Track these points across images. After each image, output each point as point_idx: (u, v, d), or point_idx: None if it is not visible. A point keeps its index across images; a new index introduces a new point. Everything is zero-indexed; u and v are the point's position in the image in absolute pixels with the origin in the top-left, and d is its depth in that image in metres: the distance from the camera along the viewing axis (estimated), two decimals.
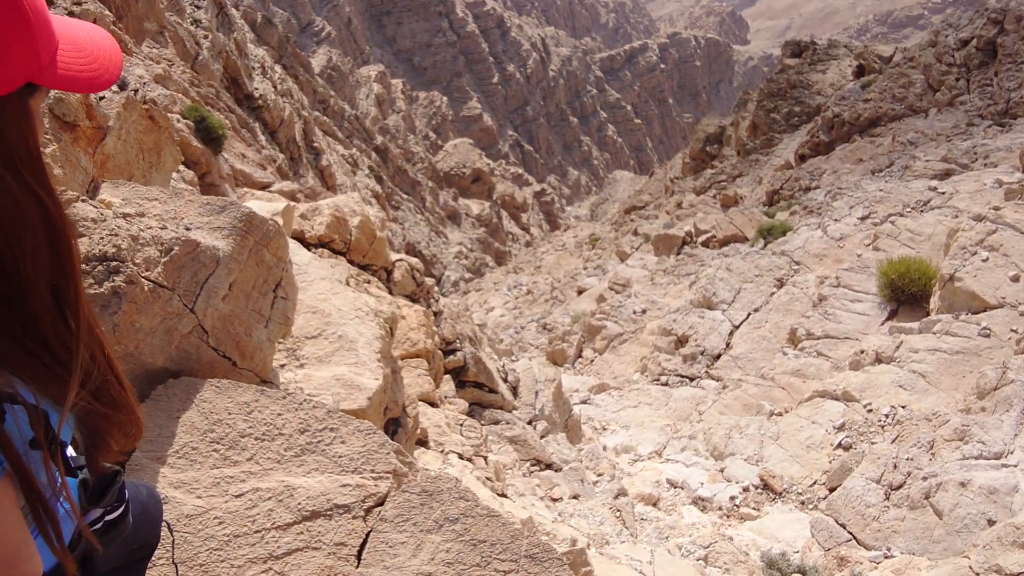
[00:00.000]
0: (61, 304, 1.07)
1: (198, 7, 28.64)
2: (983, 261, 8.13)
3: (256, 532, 2.09)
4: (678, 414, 9.65)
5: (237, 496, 2.15)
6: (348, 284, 3.95)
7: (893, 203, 11.21)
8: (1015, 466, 5.66)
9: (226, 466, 2.20)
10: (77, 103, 2.55)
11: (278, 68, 41.70)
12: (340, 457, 2.24)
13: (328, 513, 2.13)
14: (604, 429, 9.59)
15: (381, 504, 2.15)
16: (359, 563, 2.04)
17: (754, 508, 7.20)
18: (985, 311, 7.82)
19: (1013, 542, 4.53)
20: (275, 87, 34.12)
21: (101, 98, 2.84)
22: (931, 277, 8.94)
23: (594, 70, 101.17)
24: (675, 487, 7.67)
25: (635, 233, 28.49)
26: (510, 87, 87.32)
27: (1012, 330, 7.37)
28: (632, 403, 10.25)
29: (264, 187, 10.46)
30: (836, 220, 11.50)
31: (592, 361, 12.71)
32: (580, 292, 19.10)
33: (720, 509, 7.24)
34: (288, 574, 2.04)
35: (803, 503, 7.16)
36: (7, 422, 0.96)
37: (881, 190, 12.02)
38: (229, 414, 2.29)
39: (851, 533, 6.03)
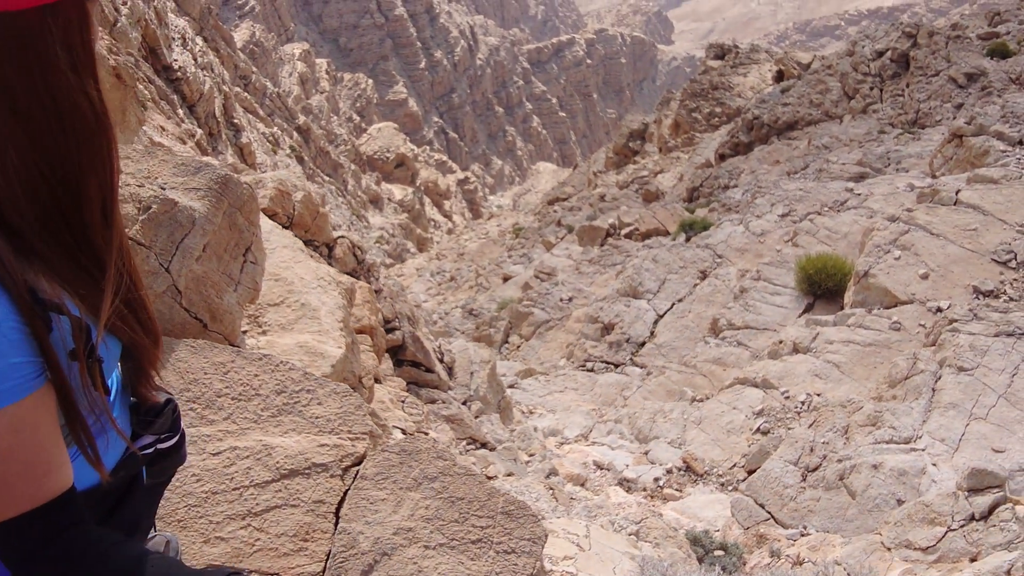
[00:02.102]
0: (106, 213, 1.11)
1: None
2: (896, 259, 8.59)
3: (235, 489, 2.12)
4: (603, 399, 9.88)
5: (215, 454, 2.17)
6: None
7: (812, 202, 11.70)
8: (923, 450, 6.04)
9: (203, 425, 2.22)
10: None
11: (199, 40, 40.38)
12: (317, 418, 2.27)
13: (306, 472, 2.17)
14: (531, 413, 9.74)
15: (358, 464, 2.20)
16: (337, 520, 2.09)
17: (677, 489, 7.47)
18: (896, 306, 8.27)
19: (923, 519, 4.85)
20: (195, 60, 33.06)
21: None
22: (846, 273, 9.38)
23: (521, 61, 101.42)
24: (602, 468, 7.88)
25: (559, 224, 28.79)
26: (437, 73, 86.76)
27: (920, 324, 7.82)
28: (559, 388, 10.44)
29: None
30: (758, 216, 11.93)
31: (519, 347, 12.86)
32: (506, 279, 19.24)
33: (645, 490, 7.48)
34: (267, 530, 2.08)
35: (723, 485, 7.46)
36: (53, 333, 1.01)
37: (801, 189, 12.53)
38: (205, 374, 2.30)
39: (769, 512, 6.33)
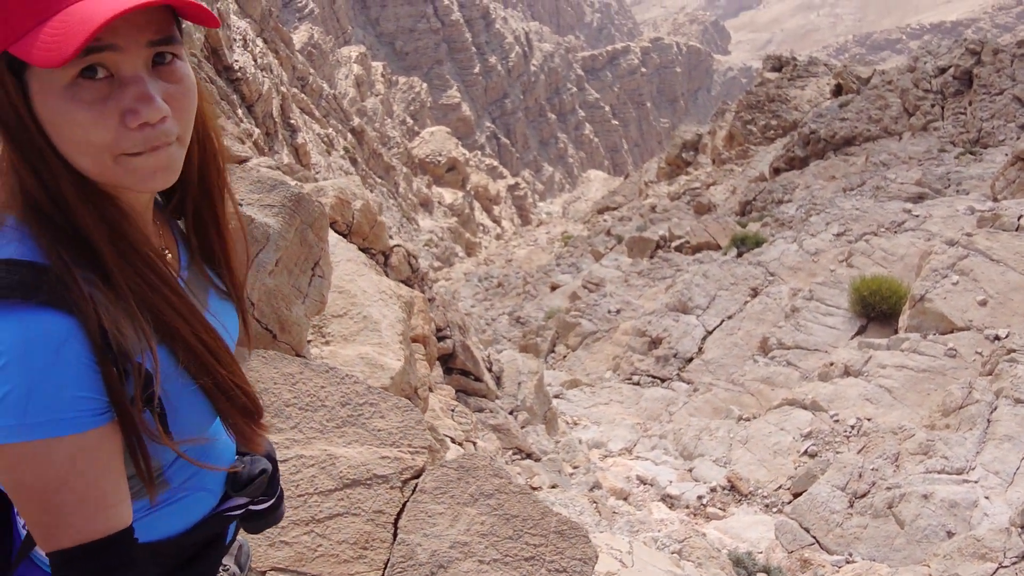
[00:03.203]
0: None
1: None
2: (953, 284, 8.44)
3: (299, 496, 2.21)
4: (648, 413, 9.87)
5: (282, 461, 2.27)
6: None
7: (868, 222, 11.54)
8: (976, 482, 5.94)
9: (271, 433, 2.31)
10: None
11: (259, 42, 41.20)
12: (379, 431, 2.36)
13: (368, 482, 2.25)
14: (576, 424, 9.77)
15: (417, 477, 2.28)
16: (396, 530, 2.17)
17: (720, 508, 7.43)
18: (952, 332, 8.12)
19: (973, 553, 4.78)
20: (255, 61, 33.75)
21: None
22: (901, 296, 9.24)
23: (575, 68, 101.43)
24: (645, 483, 7.88)
25: (608, 233, 28.74)
26: (491, 79, 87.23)
27: (977, 352, 7.68)
28: (604, 400, 10.45)
29: (242, 162, 10.47)
30: (812, 235, 11.80)
31: (565, 357, 12.89)
32: (553, 288, 19.28)
33: (688, 507, 7.47)
34: (329, 537, 2.16)
35: (768, 506, 7.40)
36: (122, 376, 1.05)
37: (857, 208, 12.36)
38: (275, 384, 2.40)
39: (814, 537, 6.27)
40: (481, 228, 65.19)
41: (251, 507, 1.44)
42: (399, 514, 2.23)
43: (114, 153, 1.05)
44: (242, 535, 2.08)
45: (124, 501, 1.07)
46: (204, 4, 1.03)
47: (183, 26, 1.13)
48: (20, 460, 0.99)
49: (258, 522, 1.51)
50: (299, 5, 74.18)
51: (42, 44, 0.95)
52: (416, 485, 2.27)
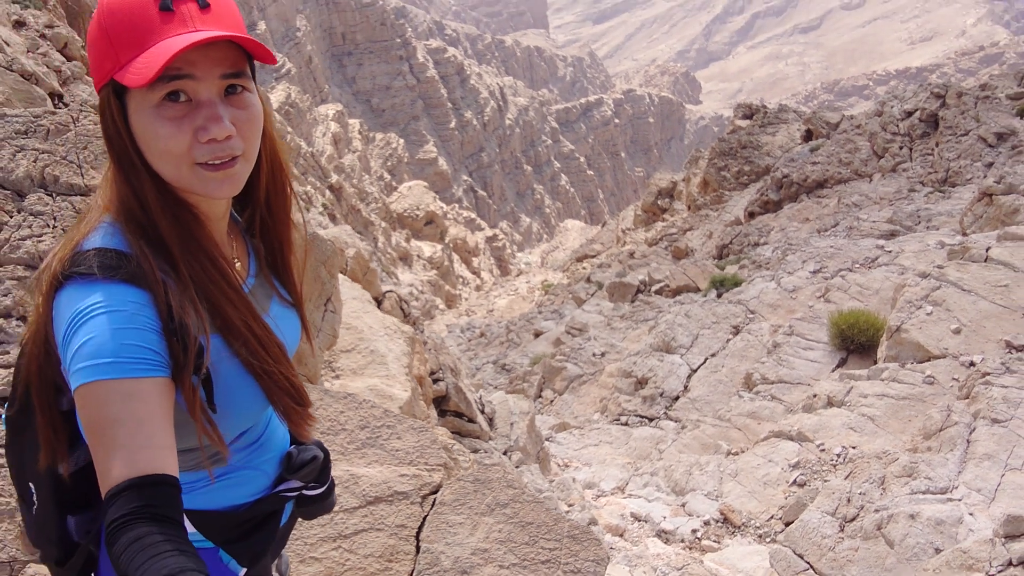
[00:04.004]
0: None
1: None
2: (927, 315, 8.72)
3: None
4: (638, 453, 9.99)
5: None
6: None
7: (843, 259, 11.87)
8: (960, 500, 6.12)
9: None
10: None
11: None
12: (397, 451, 2.51)
13: (389, 499, 2.40)
14: (567, 466, 9.87)
15: (435, 492, 2.43)
16: (418, 543, 2.31)
17: (715, 540, 7.54)
18: (929, 360, 8.37)
19: (961, 565, 4.94)
20: None
21: None
22: (879, 328, 9.50)
23: (550, 121, 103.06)
24: (639, 520, 7.98)
25: (588, 280, 29.03)
26: (467, 133, 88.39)
27: (954, 378, 7.92)
28: (593, 442, 10.56)
29: None
30: (789, 273, 12.11)
31: (552, 401, 13.01)
32: (537, 335, 19.46)
33: (683, 541, 7.57)
34: (356, 551, 2.30)
35: (761, 536, 7.52)
36: (180, 344, 1.26)
37: (832, 246, 12.70)
38: None
39: (808, 563, 6.40)
40: (461, 280, 65.45)
41: (305, 492, 1.63)
42: (420, 527, 2.37)
43: (189, 162, 1.29)
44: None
45: (170, 450, 1.20)
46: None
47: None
48: (95, 397, 1.16)
49: (312, 507, 1.69)
50: (276, 66, 75.19)
51: (134, 70, 1.22)
52: (435, 500, 2.42)
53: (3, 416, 1.51)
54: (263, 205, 1.53)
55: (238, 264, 1.50)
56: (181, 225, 1.34)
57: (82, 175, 2.46)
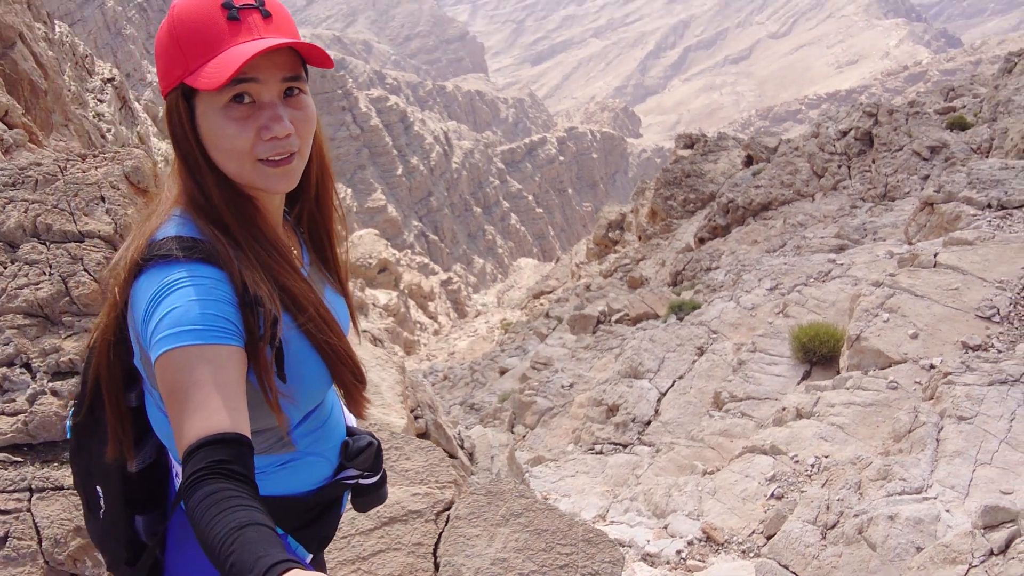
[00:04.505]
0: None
1: (101, 100, 28.62)
2: (884, 322, 8.98)
3: (343, 538, 2.36)
4: (616, 480, 10.03)
5: None
6: None
7: (797, 275, 12.17)
8: (935, 498, 6.28)
9: None
10: (149, 171, 2.85)
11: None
12: (407, 471, 2.53)
13: (404, 519, 2.42)
14: (546, 499, 9.87)
15: (448, 508, 2.45)
16: (435, 560, 2.33)
17: (700, 560, 7.59)
18: (891, 366, 8.60)
19: (944, 559, 5.06)
20: None
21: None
22: (839, 339, 9.74)
23: (496, 162, 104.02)
24: (623, 545, 7.99)
25: (547, 316, 29.17)
26: (414, 179, 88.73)
27: (916, 382, 8.14)
28: (570, 473, 10.58)
29: None
30: (747, 291, 12.37)
31: (524, 436, 13.01)
32: (502, 372, 19.46)
33: (668, 563, 7.60)
34: (375, 572, 2.31)
35: (745, 552, 7.59)
36: (256, 317, 1.37)
37: (785, 263, 13.02)
38: None
39: (794, 573, 6.48)
40: (418, 326, 65.14)
41: (361, 481, 1.70)
42: (436, 544, 2.40)
43: (252, 159, 1.40)
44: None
45: (242, 412, 1.27)
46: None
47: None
48: (176, 362, 1.24)
49: (367, 497, 1.76)
50: None
51: (206, 74, 1.33)
52: (448, 516, 2.45)
53: (68, 425, 1.57)
54: (312, 200, 1.67)
55: (294, 252, 1.61)
56: (243, 215, 1.45)
57: (75, 222, 2.47)
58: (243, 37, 1.34)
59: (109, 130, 26.18)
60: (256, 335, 1.35)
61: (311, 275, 1.64)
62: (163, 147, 38.61)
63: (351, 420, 1.88)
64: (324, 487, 1.64)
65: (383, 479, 1.81)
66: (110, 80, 29.01)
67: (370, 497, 1.79)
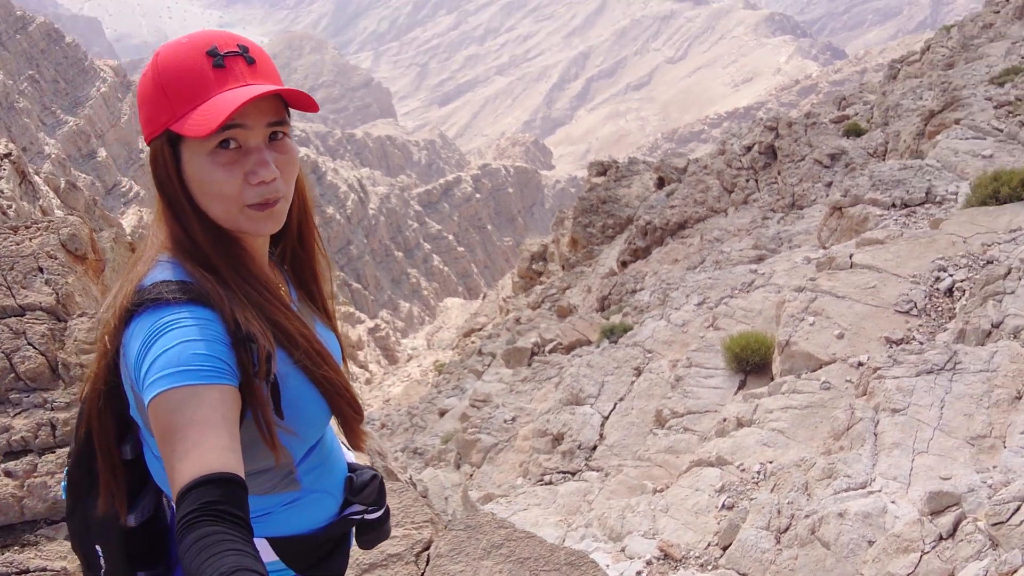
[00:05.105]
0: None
1: None
2: (810, 325, 9.28)
3: None
4: (568, 508, 10.03)
5: None
6: None
7: (722, 288, 12.50)
8: (880, 491, 6.47)
9: None
10: (86, 237, 2.77)
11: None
12: None
13: (384, 563, 2.38)
14: None
15: (427, 548, 2.43)
16: None
17: None
18: (821, 367, 8.88)
19: (896, 549, 5.22)
20: None
21: (101, 230, 3.07)
22: (769, 346, 10.02)
23: (413, 205, 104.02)
24: None
25: (480, 353, 29.13)
26: (332, 228, 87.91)
27: (848, 380, 8.42)
28: (522, 507, 10.53)
29: None
30: (676, 309, 12.63)
31: (472, 476, 12.91)
32: (442, 414, 19.32)
33: None
34: None
35: (703, 565, 7.67)
36: (249, 354, 1.36)
37: (710, 278, 13.37)
38: None
39: None
40: (350, 377, 64.15)
41: (366, 517, 1.68)
42: None
43: (239, 204, 1.42)
44: None
45: (235, 452, 1.25)
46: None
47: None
48: (168, 404, 1.23)
49: (371, 535, 1.74)
50: (123, 190, 73.04)
51: (195, 121, 1.34)
52: (428, 556, 2.43)
53: (63, 485, 1.53)
54: (295, 237, 1.68)
55: (282, 289, 1.62)
56: (231, 257, 1.45)
57: (13, 296, 2.38)
58: (230, 84, 1.37)
59: (10, 206, 25.29)
60: (251, 372, 1.35)
61: (300, 311, 1.65)
62: (70, 219, 37.38)
63: (349, 456, 1.87)
64: (332, 524, 1.65)
65: (387, 514, 1.81)
66: (7, 155, 27.99)
67: (375, 533, 1.78)
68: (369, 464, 1.89)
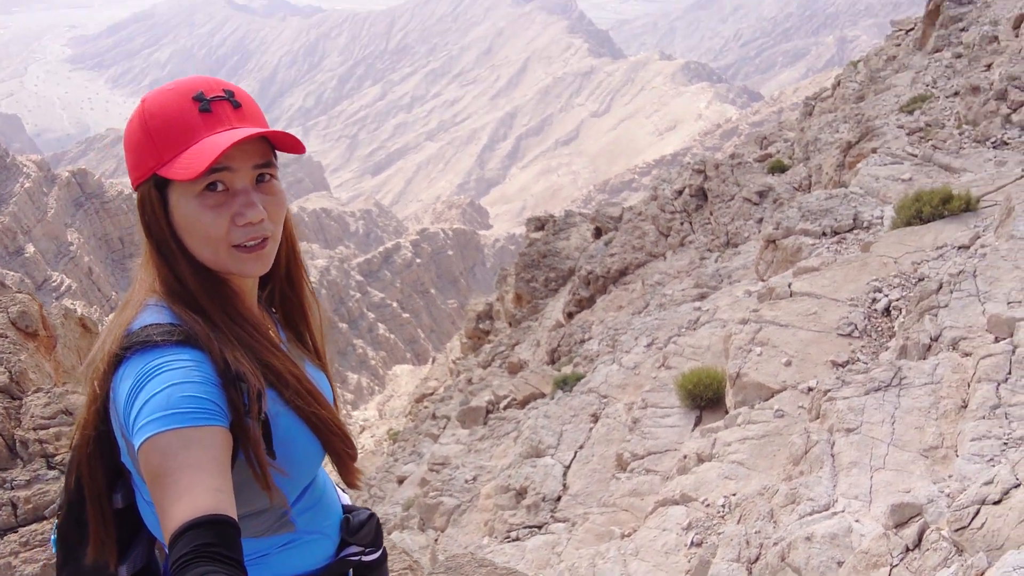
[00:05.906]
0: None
1: None
2: (758, 355, 9.46)
3: None
4: (538, 563, 9.90)
5: None
6: None
7: (670, 328, 12.68)
8: (843, 511, 6.56)
9: None
10: (36, 314, 2.71)
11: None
12: None
13: None
14: None
15: None
16: None
17: None
18: (773, 396, 9.03)
19: (866, 565, 5.27)
20: None
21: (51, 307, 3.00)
22: (721, 380, 10.16)
23: (354, 275, 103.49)
24: None
25: (434, 417, 28.83)
26: None
27: (800, 406, 8.58)
28: None
29: None
30: (627, 352, 12.74)
31: (437, 540, 12.67)
32: (400, 481, 18.99)
33: None
34: None
35: None
36: (239, 394, 1.37)
37: (656, 319, 13.56)
38: None
39: None
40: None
41: (363, 558, 1.66)
42: None
43: (227, 245, 1.43)
44: None
45: (227, 494, 1.25)
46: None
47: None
48: (158, 448, 1.23)
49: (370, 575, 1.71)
50: (54, 284, 71.14)
51: (182, 165, 1.37)
52: None
53: (53, 539, 1.49)
54: (283, 279, 1.70)
55: (271, 331, 1.62)
56: (220, 299, 1.46)
57: None
58: (215, 128, 1.39)
59: None
60: (242, 412, 1.35)
61: (290, 352, 1.66)
62: (18, 297, 36.31)
63: (344, 498, 1.86)
64: (329, 565, 1.63)
65: (384, 556, 1.78)
66: None
67: (374, 574, 1.76)
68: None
